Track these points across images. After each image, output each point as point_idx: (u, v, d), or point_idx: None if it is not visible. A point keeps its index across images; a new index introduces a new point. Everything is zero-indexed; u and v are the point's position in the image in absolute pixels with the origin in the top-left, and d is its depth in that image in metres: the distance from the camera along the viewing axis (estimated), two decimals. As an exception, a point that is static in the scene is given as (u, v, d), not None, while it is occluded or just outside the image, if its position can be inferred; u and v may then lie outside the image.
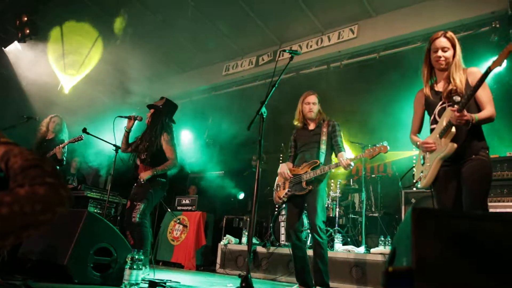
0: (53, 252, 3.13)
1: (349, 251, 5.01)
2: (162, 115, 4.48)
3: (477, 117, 2.64)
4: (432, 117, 2.98)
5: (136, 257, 3.08)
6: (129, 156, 4.53)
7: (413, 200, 5.39)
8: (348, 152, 5.44)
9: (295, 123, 4.25)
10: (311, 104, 4.15)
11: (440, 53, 2.88)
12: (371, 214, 6.51)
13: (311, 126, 4.22)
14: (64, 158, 5.51)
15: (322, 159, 3.99)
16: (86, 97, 8.04)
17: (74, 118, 6.44)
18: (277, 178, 4.34)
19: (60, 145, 5.38)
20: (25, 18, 7.35)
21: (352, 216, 6.31)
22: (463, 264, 1.06)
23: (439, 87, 2.96)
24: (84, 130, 5.03)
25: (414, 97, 3.16)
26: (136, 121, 4.53)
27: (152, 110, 4.55)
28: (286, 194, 4.10)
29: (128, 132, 4.50)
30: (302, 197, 3.98)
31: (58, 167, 5.64)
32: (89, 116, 7.25)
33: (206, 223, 7.04)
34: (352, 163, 3.81)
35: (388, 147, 3.62)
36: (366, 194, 6.52)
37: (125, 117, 4.51)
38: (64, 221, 3.26)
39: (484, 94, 2.73)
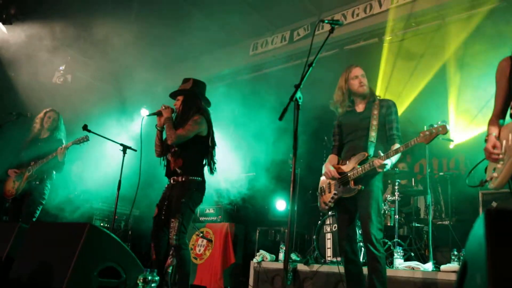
0: (49, 274, 3.20)
1: (413, 268, 4.91)
2: (196, 98, 4.55)
3: None
4: None
5: (150, 278, 3.11)
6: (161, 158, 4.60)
7: (494, 204, 5.22)
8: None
9: (338, 109, 4.18)
10: (360, 77, 4.05)
11: None
12: (440, 222, 6.37)
13: (360, 107, 4.11)
14: (65, 162, 5.68)
15: (371, 150, 3.89)
16: (86, 88, 8.25)
17: (73, 114, 6.61)
18: (321, 179, 4.30)
19: (63, 146, 5.53)
20: None
21: (416, 224, 6.17)
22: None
23: None
24: (85, 128, 5.15)
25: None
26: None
27: (180, 97, 4.57)
28: (332, 198, 4.05)
29: (161, 130, 4.54)
30: (353, 200, 3.91)
31: (57, 172, 5.82)
32: (91, 111, 7.44)
33: (235, 236, 7.07)
34: (388, 161, 3.68)
35: (448, 127, 3.48)
36: (433, 197, 6.37)
37: (155, 113, 4.52)
38: (62, 236, 3.33)
39: None
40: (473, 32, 6.10)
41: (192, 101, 4.52)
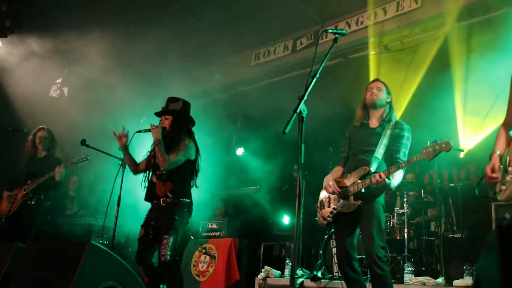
0: (49, 294, 3.20)
1: (424, 283, 4.90)
2: (186, 120, 4.63)
3: None
4: None
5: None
6: (142, 177, 4.62)
7: (507, 216, 5.20)
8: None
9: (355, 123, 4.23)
10: (374, 89, 4.11)
11: None
12: (451, 235, 6.32)
13: (373, 123, 4.13)
14: (62, 181, 5.69)
15: (374, 166, 3.89)
16: (84, 101, 8.26)
17: (70, 127, 6.62)
18: (321, 193, 4.29)
19: (61, 165, 5.53)
20: (4, 8, 7.59)
21: (427, 238, 6.15)
22: None
23: None
24: (83, 143, 5.18)
25: None
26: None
27: (169, 117, 4.60)
28: (331, 213, 4.04)
29: (126, 153, 4.62)
30: (352, 216, 3.90)
31: (54, 191, 5.83)
32: (88, 125, 7.45)
33: (239, 252, 7.04)
34: (389, 180, 3.69)
35: (452, 144, 3.48)
36: (443, 209, 6.34)
37: (147, 130, 4.54)
38: (61, 255, 3.33)
39: None
40: (479, 38, 6.12)
41: (182, 123, 4.58)
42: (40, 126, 5.98)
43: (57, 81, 8.86)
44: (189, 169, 4.52)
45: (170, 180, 4.36)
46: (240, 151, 9.21)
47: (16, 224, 5.57)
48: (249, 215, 7.95)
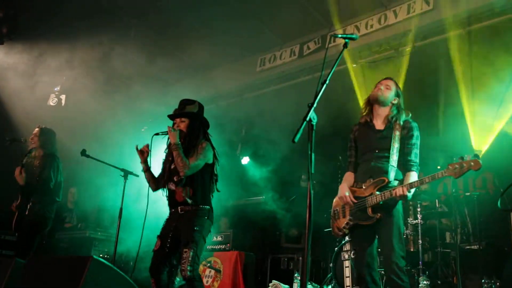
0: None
1: (440, 298, 4.85)
2: (202, 123, 4.58)
3: None
4: None
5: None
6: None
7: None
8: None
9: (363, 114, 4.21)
10: (382, 85, 4.10)
11: None
12: (468, 247, 6.26)
13: (379, 125, 4.09)
14: (34, 184, 5.62)
15: (391, 175, 3.87)
16: (83, 110, 8.29)
17: (70, 137, 6.63)
18: (334, 201, 4.27)
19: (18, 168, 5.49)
20: (1, 14, 7.61)
21: (442, 250, 6.09)
22: None
23: None
24: (83, 153, 5.18)
25: None
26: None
27: (186, 120, 4.55)
28: (347, 224, 4.01)
29: (147, 169, 4.49)
30: (370, 227, 3.88)
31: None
32: (89, 133, 7.47)
33: (245, 265, 7.01)
34: (409, 193, 3.67)
35: (481, 163, 3.41)
36: (459, 219, 6.30)
37: (164, 133, 4.44)
38: (62, 271, 3.32)
39: None
40: (498, 40, 6.13)
41: (199, 126, 4.53)
42: (37, 126, 5.99)
43: (56, 88, 8.89)
44: (208, 174, 4.45)
45: (189, 186, 4.30)
46: (245, 160, 9.20)
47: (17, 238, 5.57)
48: (255, 227, 7.93)
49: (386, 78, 4.21)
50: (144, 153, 4.44)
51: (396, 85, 4.19)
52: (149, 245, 4.43)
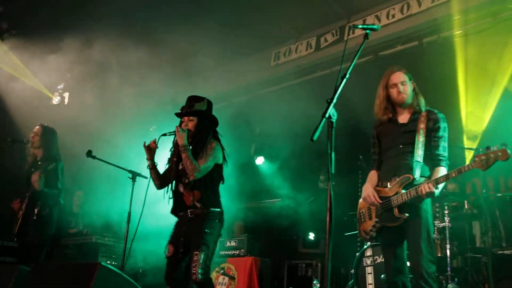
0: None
1: (470, 306, 4.81)
2: (212, 122, 4.60)
3: None
4: None
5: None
6: (166, 189, 4.58)
7: None
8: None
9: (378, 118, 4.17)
10: (399, 85, 4.01)
11: None
12: (500, 251, 6.19)
13: (402, 118, 4.07)
14: (47, 190, 5.66)
15: (417, 172, 3.84)
16: (88, 109, 8.33)
17: (74, 137, 6.67)
18: (359, 202, 4.26)
19: (36, 172, 5.54)
20: (0, 9, 7.67)
21: (472, 255, 6.03)
22: None
23: None
24: (89, 154, 5.20)
25: None
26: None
27: (194, 118, 4.54)
28: (374, 226, 4.00)
29: (152, 167, 4.54)
30: (398, 229, 3.87)
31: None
32: (94, 134, 7.52)
33: (261, 272, 7.02)
34: (436, 190, 3.65)
35: (510, 152, 3.39)
36: (490, 222, 6.25)
37: (172, 133, 4.46)
38: (68, 278, 3.35)
39: None
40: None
41: (208, 124, 4.55)
42: (38, 125, 6.03)
43: (59, 86, 8.95)
44: (218, 175, 4.47)
45: (197, 188, 4.30)
46: (259, 160, 9.19)
47: (21, 244, 5.61)
48: (271, 231, 7.92)
49: (396, 72, 4.08)
50: (151, 150, 4.47)
51: (405, 71, 4.10)
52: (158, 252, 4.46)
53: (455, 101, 6.82)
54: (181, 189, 4.38)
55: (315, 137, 2.98)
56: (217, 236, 4.34)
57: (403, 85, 4.02)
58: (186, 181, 4.34)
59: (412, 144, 3.92)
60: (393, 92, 4.05)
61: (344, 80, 3.20)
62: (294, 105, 7.80)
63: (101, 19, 7.65)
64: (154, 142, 4.47)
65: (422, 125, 3.94)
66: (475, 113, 6.83)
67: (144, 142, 4.49)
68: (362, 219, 4.18)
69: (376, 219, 3.99)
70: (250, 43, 8.61)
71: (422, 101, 4.05)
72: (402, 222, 3.80)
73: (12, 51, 8.20)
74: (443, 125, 3.95)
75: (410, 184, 3.81)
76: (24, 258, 5.44)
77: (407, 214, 3.77)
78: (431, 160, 3.91)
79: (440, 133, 3.93)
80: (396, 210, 3.83)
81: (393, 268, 3.87)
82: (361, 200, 4.22)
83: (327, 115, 3.08)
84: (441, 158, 3.86)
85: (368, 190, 4.06)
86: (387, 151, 4.10)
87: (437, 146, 3.90)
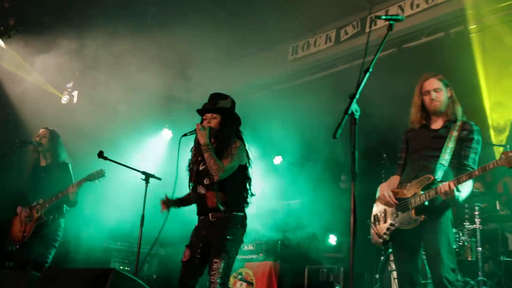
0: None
1: (504, 313, 4.77)
2: (236, 121, 4.55)
3: None
4: None
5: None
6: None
7: None
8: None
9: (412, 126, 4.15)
10: (432, 92, 4.00)
11: None
12: (536, 256, 6.17)
13: (436, 124, 4.05)
14: (77, 200, 5.75)
15: (439, 174, 3.81)
16: (98, 108, 8.38)
17: (84, 137, 6.71)
18: (374, 205, 4.24)
19: (75, 184, 5.60)
20: (7, 4, 7.72)
21: (505, 259, 6.00)
22: None
23: None
24: (101, 155, 5.21)
25: None
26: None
27: (217, 116, 4.51)
28: (388, 229, 3.97)
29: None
30: (415, 233, 3.83)
31: (70, 207, 5.88)
32: (105, 133, 7.56)
33: (280, 277, 7.02)
34: (458, 193, 3.59)
35: None
36: (523, 223, 6.19)
37: (193, 132, 4.41)
38: (81, 285, 3.37)
39: None
40: None
41: (232, 123, 4.49)
42: (43, 127, 6.07)
43: (68, 85, 9.01)
44: (242, 176, 4.41)
45: (221, 190, 4.25)
46: (277, 160, 9.18)
47: (29, 249, 5.65)
48: (291, 235, 7.91)
49: (429, 78, 4.07)
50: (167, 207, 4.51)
51: (440, 78, 4.08)
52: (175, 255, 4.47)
53: (480, 93, 6.78)
54: (203, 190, 4.32)
55: (337, 135, 2.96)
56: (239, 243, 4.27)
57: (437, 92, 4.00)
58: (207, 182, 4.31)
59: (440, 149, 3.89)
60: (426, 99, 4.04)
61: (367, 74, 3.18)
62: (314, 101, 7.78)
63: (117, 21, 7.70)
64: (164, 203, 4.50)
65: (454, 133, 3.91)
66: (502, 103, 6.79)
67: (161, 201, 4.51)
68: (376, 222, 4.16)
69: (391, 222, 3.97)
70: (266, 36, 8.60)
71: (458, 110, 4.02)
72: (418, 225, 3.76)
73: (18, 50, 8.26)
74: (477, 137, 3.91)
75: (430, 185, 3.77)
76: (31, 264, 5.50)
77: (423, 216, 3.73)
78: (457, 168, 3.86)
79: (473, 144, 3.88)
80: (413, 212, 3.80)
81: (406, 275, 3.85)
82: (376, 202, 4.20)
83: (349, 111, 3.06)
84: (468, 169, 3.78)
85: (383, 188, 4.06)
86: (413, 154, 4.08)
87: (466, 156, 3.86)
